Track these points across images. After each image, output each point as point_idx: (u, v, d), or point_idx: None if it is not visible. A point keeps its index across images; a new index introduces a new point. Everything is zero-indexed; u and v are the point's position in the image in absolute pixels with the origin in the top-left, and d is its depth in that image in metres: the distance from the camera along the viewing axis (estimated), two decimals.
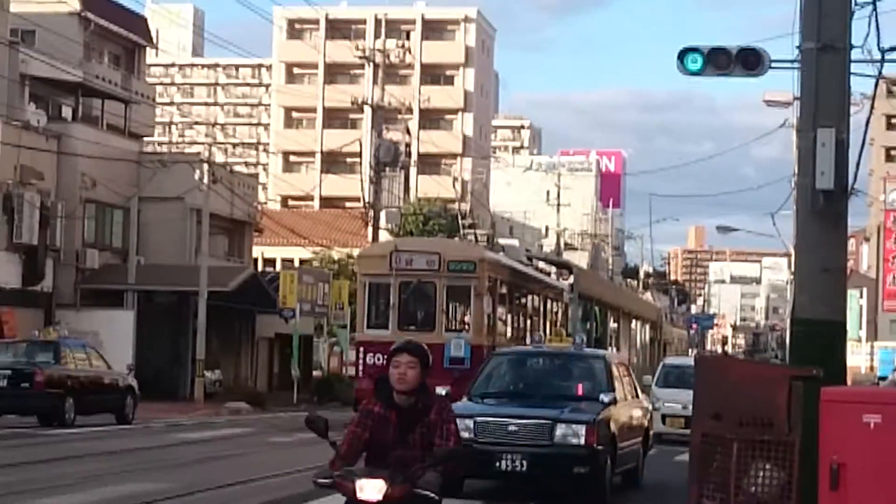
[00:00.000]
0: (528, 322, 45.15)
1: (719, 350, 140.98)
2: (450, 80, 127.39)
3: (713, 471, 5.56)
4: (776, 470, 5.31)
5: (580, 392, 22.36)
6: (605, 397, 20.99)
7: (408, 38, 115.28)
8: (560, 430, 19.91)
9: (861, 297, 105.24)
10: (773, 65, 19.01)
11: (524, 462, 19.55)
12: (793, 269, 24.83)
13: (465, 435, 17.28)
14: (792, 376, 5.53)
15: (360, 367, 36.53)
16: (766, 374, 5.41)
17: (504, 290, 40.73)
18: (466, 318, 37.46)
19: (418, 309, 36.98)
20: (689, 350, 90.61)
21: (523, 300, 44.92)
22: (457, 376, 31.94)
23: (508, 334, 41.09)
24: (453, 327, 36.81)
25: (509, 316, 42.30)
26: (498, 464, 19.56)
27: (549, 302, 48.91)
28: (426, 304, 36.70)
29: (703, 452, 5.48)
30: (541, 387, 22.96)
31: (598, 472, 20.11)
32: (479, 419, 20.28)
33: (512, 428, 19.97)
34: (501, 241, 55.26)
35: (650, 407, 26.56)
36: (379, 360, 33.19)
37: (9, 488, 20.57)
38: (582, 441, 19.75)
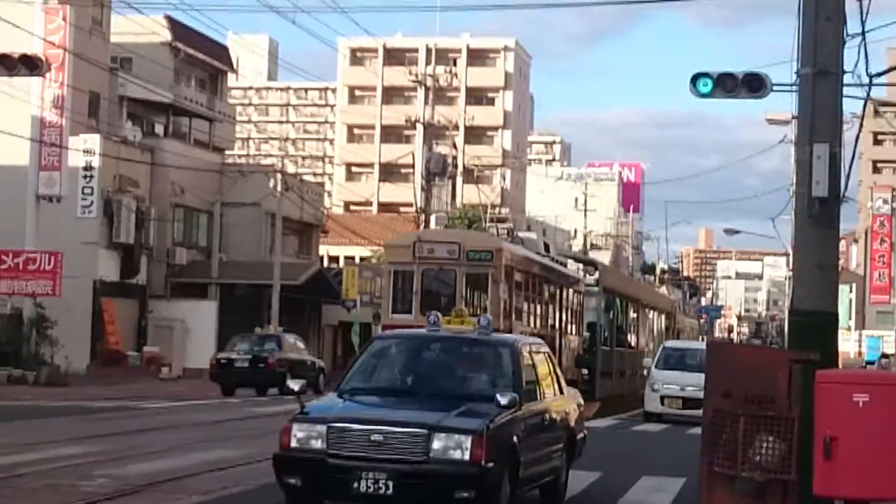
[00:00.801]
0: (545, 308, 43.15)
1: (725, 337, 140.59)
2: (491, 101, 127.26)
3: (722, 442, 5.56)
4: (778, 442, 5.29)
5: (474, 390, 15.74)
6: (502, 398, 13.99)
7: (455, 64, 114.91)
8: (438, 441, 13.78)
9: (851, 291, 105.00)
10: (775, 88, 18.92)
11: (390, 483, 13.51)
12: (791, 266, 24.64)
13: (317, 444, 13.73)
14: (792, 360, 5.52)
15: None
16: (770, 357, 5.41)
17: (520, 278, 38.76)
18: (486, 304, 35.45)
19: (440, 295, 35.10)
20: (700, 337, 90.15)
21: (540, 288, 42.35)
22: None
23: (525, 319, 39.37)
24: (472, 312, 32.90)
25: (526, 302, 40.21)
26: (357, 484, 13.61)
27: (565, 290, 46.30)
28: (447, 290, 35.25)
29: (713, 426, 5.47)
30: (427, 382, 16.15)
31: (489, 495, 13.75)
32: (334, 424, 14.14)
33: (376, 438, 13.85)
34: (521, 234, 50.51)
35: (578, 404, 18.75)
36: None
37: (139, 449, 20.65)
38: (466, 456, 13.65)
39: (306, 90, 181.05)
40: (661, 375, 37.79)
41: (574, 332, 47.20)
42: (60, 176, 50.77)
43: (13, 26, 46.42)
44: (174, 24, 71.81)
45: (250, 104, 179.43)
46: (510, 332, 32.08)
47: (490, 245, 36.57)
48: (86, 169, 55.55)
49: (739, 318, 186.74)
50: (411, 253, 34.84)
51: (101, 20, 63.43)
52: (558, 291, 45.08)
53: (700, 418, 30.90)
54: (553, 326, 43.05)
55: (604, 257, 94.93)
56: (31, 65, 31.74)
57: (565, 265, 49.62)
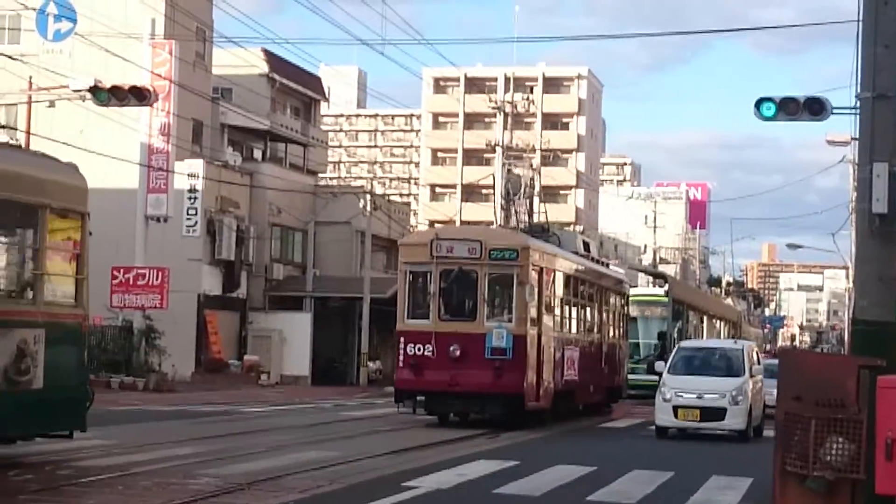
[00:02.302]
0: (582, 312, 37.06)
1: (788, 345, 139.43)
2: (565, 126, 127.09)
3: (794, 443, 5.48)
4: (847, 443, 5.22)
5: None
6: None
7: (531, 91, 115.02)
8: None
9: None
10: (835, 111, 18.81)
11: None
12: (852, 278, 24.26)
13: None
14: (860, 365, 5.45)
15: (401, 358, 29.69)
16: (838, 364, 5.33)
17: (551, 279, 32.38)
18: (510, 308, 29.90)
19: (459, 298, 29.93)
20: (764, 346, 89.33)
21: (576, 290, 35.82)
22: (498, 366, 28.30)
23: (557, 324, 33.20)
24: (496, 316, 29.67)
25: (559, 306, 33.76)
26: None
27: (606, 293, 40.19)
28: (467, 293, 29.66)
29: (785, 428, 5.40)
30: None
31: None
32: None
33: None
34: (558, 231, 40.65)
35: None
36: (419, 350, 29.10)
37: (230, 452, 20.82)
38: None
39: (393, 117, 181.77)
40: (675, 381, 29.29)
41: (615, 336, 41.34)
42: (167, 198, 51.48)
43: (123, 60, 46.94)
44: (271, 57, 72.33)
45: (341, 130, 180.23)
46: (539, 337, 30.10)
47: (515, 243, 30.58)
48: (190, 191, 56.24)
49: (801, 327, 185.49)
50: (428, 252, 29.50)
51: (203, 54, 63.99)
52: (598, 294, 39.01)
53: (720, 431, 29.26)
54: (591, 330, 38.08)
55: (672, 271, 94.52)
56: (140, 95, 32.13)
57: (607, 265, 44.16)
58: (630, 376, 46.39)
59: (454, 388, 28.71)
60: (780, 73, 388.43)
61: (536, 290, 30.21)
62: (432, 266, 29.34)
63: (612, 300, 41.00)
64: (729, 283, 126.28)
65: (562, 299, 33.78)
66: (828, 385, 5.89)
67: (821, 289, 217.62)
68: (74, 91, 34.08)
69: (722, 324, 65.21)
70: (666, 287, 50.15)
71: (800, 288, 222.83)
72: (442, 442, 25.92)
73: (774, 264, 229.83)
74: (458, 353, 28.54)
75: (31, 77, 45.15)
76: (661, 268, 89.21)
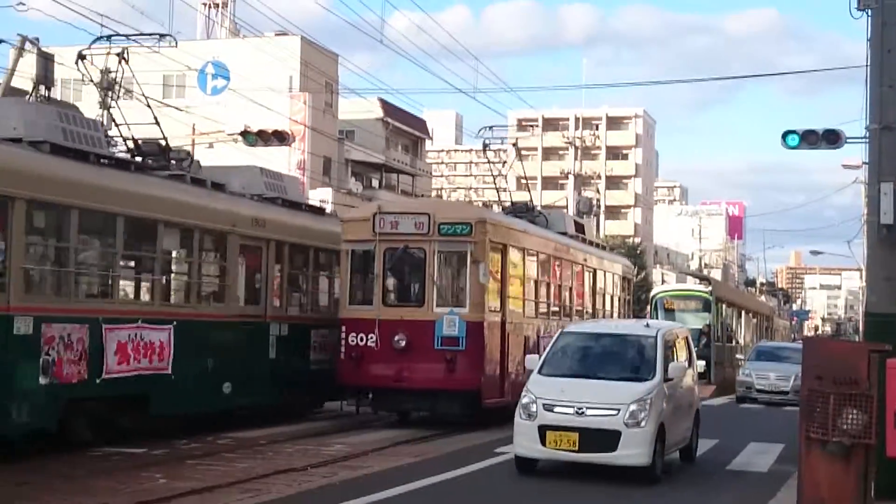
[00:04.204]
0: (569, 296, 27.61)
1: (812, 335, 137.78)
2: (625, 157, 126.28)
3: (816, 415, 5.42)
4: (861, 414, 5.16)
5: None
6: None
7: (597, 129, 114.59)
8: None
9: None
10: (849, 140, 18.63)
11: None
12: (864, 279, 24.02)
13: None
14: (871, 350, 5.38)
15: (343, 349, 21.12)
16: (853, 348, 5.28)
17: (521, 258, 23.49)
18: (464, 291, 21.16)
19: (406, 280, 21.65)
20: (791, 335, 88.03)
21: (559, 272, 26.73)
22: (449, 358, 20.39)
23: (531, 310, 24.29)
24: (447, 301, 21.00)
25: (534, 289, 24.76)
26: None
27: (601, 276, 30.91)
28: (414, 274, 21.24)
29: (809, 402, 5.35)
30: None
31: None
32: None
33: None
34: (545, 210, 32.57)
35: None
36: (362, 340, 20.83)
37: None
38: None
39: (482, 151, 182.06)
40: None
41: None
42: None
43: (267, 109, 47.46)
44: (385, 104, 72.82)
45: (442, 163, 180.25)
46: (503, 324, 21.83)
47: (469, 215, 21.84)
48: None
49: (823, 320, 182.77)
50: (371, 228, 21.00)
51: (331, 103, 64.64)
52: (591, 276, 29.77)
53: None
54: (581, 316, 28.44)
55: (715, 274, 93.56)
56: (280, 137, 32.65)
57: (602, 247, 34.93)
58: None
59: (399, 384, 20.68)
60: (803, 109, 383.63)
61: (500, 269, 21.88)
62: (375, 244, 20.87)
63: (609, 284, 31.93)
64: (762, 284, 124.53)
65: (537, 281, 24.81)
66: (844, 366, 5.83)
67: (839, 287, 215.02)
68: (229, 135, 34.66)
69: (757, 318, 64.40)
70: (710, 287, 49.43)
71: (821, 287, 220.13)
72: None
73: (800, 268, 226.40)
74: (403, 343, 20.51)
75: (194, 124, 45.83)
76: (705, 271, 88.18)
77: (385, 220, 20.93)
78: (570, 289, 27.44)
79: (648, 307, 48.47)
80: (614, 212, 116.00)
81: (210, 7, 69.33)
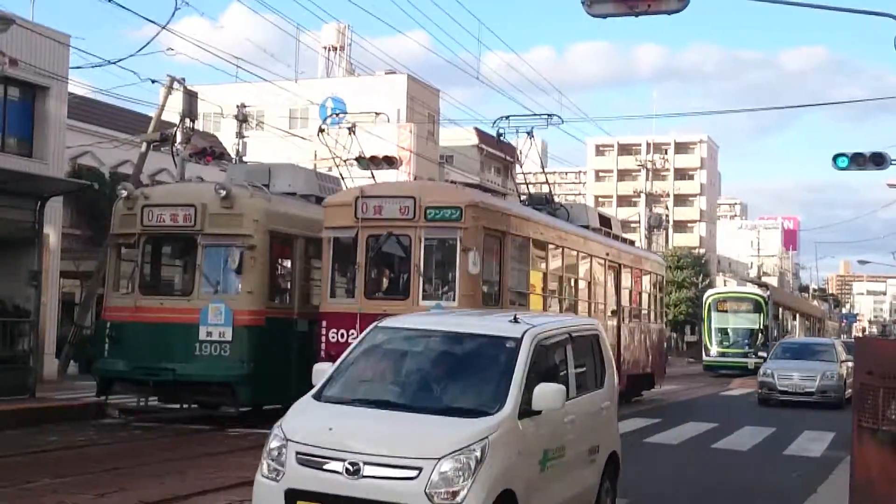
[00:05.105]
0: (589, 292, 22.51)
1: (861, 336, 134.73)
2: (691, 177, 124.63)
3: (867, 406, 5.34)
4: None
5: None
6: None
7: (666, 153, 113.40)
8: None
9: None
10: (893, 162, 18.25)
11: None
12: None
13: None
14: None
15: (322, 346, 16.68)
16: None
17: (526, 248, 18.79)
18: (453, 282, 16.53)
19: (390, 270, 17.43)
20: (839, 335, 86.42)
21: (574, 265, 21.77)
22: None
23: (537, 305, 19.39)
24: (434, 294, 16.55)
25: (541, 282, 19.68)
26: None
27: (627, 272, 25.63)
28: (399, 264, 16.95)
29: (861, 394, 5.27)
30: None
31: None
32: None
33: None
34: (568, 204, 25.61)
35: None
36: (343, 336, 16.25)
37: None
38: None
39: (567, 173, 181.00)
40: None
41: (643, 318, 27.16)
42: None
43: (378, 137, 47.86)
44: (480, 133, 72.92)
45: (530, 184, 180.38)
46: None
47: (458, 199, 16.73)
48: None
49: (870, 322, 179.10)
50: (353, 213, 16.69)
51: (433, 131, 64.86)
52: (615, 272, 24.65)
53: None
54: (603, 313, 23.23)
55: (771, 281, 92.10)
56: (390, 162, 32.77)
57: (632, 243, 30.79)
58: (720, 358, 44.71)
59: None
60: (851, 135, 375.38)
61: (498, 259, 17.37)
62: (357, 230, 16.71)
63: (635, 278, 26.62)
64: (814, 290, 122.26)
65: (545, 273, 19.87)
66: (892, 363, 5.72)
67: (884, 293, 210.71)
68: (345, 160, 34.91)
69: (809, 320, 63.29)
70: (768, 292, 48.59)
71: (868, 293, 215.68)
72: None
73: (849, 275, 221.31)
74: None
75: (315, 151, 46.36)
76: (763, 279, 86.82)
77: (368, 205, 16.70)
78: (589, 283, 22.47)
79: (703, 310, 47.59)
80: (681, 226, 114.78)
81: (329, 50, 70.30)
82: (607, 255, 23.78)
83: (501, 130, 24.46)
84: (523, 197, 24.71)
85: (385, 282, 17.32)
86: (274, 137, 46.88)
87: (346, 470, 6.81)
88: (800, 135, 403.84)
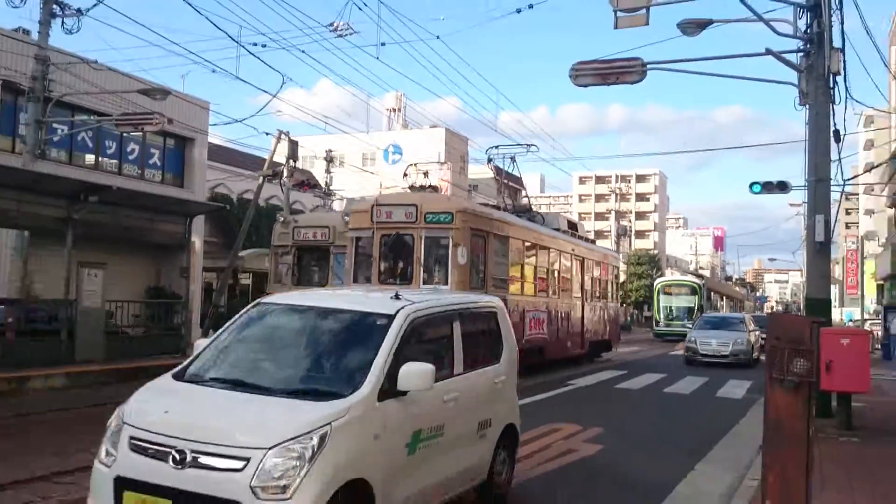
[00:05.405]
0: (557, 279, 20.97)
1: (771, 312, 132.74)
2: (647, 199, 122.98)
3: (776, 362, 5.27)
4: (805, 362, 4.99)
5: None
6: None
7: (629, 182, 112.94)
8: None
9: (836, 288, 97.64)
10: (794, 188, 18.04)
11: None
12: (804, 276, 22.64)
13: None
14: (811, 322, 5.20)
15: None
16: (801, 320, 5.14)
17: (507, 245, 17.64)
18: (446, 271, 15.96)
19: (397, 262, 16.24)
20: (754, 311, 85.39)
21: (546, 258, 20.25)
22: None
23: (517, 289, 18.04)
24: (432, 280, 15.82)
25: (520, 271, 18.41)
26: None
27: (589, 263, 24.19)
28: (405, 257, 16.07)
29: (771, 354, 5.20)
30: None
31: None
32: None
33: None
34: (544, 213, 25.63)
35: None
36: None
37: None
38: None
39: (558, 196, 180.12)
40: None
41: (600, 298, 25.23)
42: None
43: (423, 173, 47.65)
44: (496, 169, 72.65)
45: (533, 205, 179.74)
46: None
47: (450, 206, 16.32)
48: None
49: (776, 302, 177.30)
50: (370, 217, 16.21)
51: (463, 168, 64.67)
52: (579, 263, 23.10)
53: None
54: (569, 294, 21.85)
55: (706, 273, 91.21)
56: (434, 189, 32.31)
57: (593, 241, 28.91)
58: (666, 328, 44.09)
59: None
60: (763, 169, 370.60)
61: (483, 253, 16.37)
62: (373, 231, 16.12)
63: (596, 269, 24.99)
64: (737, 279, 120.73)
65: (522, 264, 18.46)
66: (794, 331, 5.65)
67: (787, 282, 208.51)
68: (402, 188, 34.82)
69: (733, 301, 62.51)
70: (703, 281, 48.03)
71: (776, 282, 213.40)
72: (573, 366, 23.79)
73: (762, 269, 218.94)
74: None
75: (381, 182, 46.54)
76: (700, 272, 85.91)
77: (381, 211, 16.12)
78: (558, 271, 21.12)
79: (653, 292, 47.10)
80: (641, 234, 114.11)
81: (390, 111, 70.63)
82: (573, 250, 22.60)
83: (491, 157, 24.26)
84: (510, 207, 23.65)
85: (394, 270, 16.02)
86: (352, 173, 47.04)
87: (173, 459, 4.52)
88: (726, 169, 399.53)
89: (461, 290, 14.49)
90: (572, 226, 24.62)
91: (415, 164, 29.14)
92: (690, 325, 41.79)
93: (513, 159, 23.81)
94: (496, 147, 24.46)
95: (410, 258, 15.68)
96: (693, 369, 23.08)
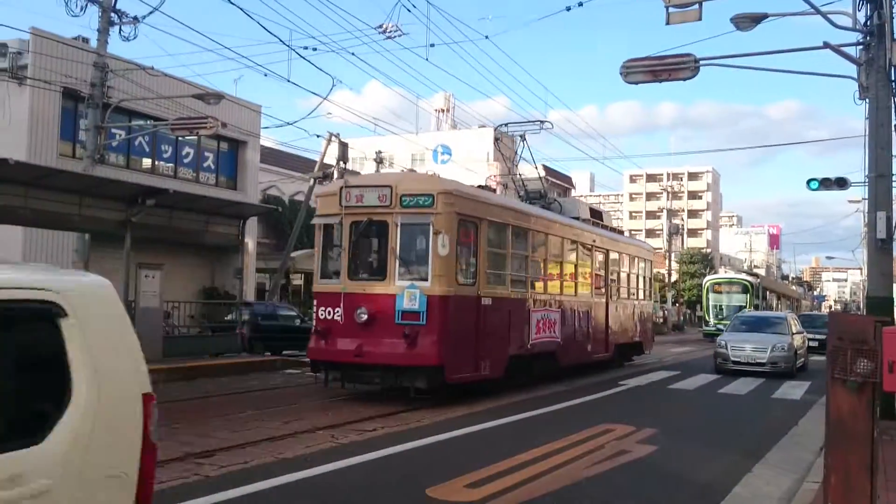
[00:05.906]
0: (576, 273, 18.19)
1: (832, 311, 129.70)
2: (700, 197, 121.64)
3: (838, 362, 5.16)
4: (868, 362, 4.89)
5: None
6: None
7: (681, 180, 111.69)
8: None
9: None
10: (853, 184, 17.60)
11: None
12: (865, 274, 21.82)
13: None
14: (874, 321, 5.09)
15: (315, 323, 13.39)
16: (863, 319, 5.03)
17: (506, 234, 14.47)
18: (426, 264, 12.69)
19: (369, 253, 13.39)
20: (812, 311, 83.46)
21: (560, 250, 17.36)
22: (408, 333, 12.36)
23: (514, 285, 14.62)
24: (410, 275, 12.72)
25: (523, 264, 15.19)
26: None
27: (616, 257, 21.09)
28: (378, 247, 13.22)
29: (833, 354, 5.09)
30: None
31: None
32: None
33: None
34: (562, 199, 22.78)
35: None
36: (329, 314, 13.10)
37: None
38: None
39: (608, 195, 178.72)
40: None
41: (631, 297, 22.14)
42: None
43: (473, 172, 47.64)
44: (546, 168, 72.23)
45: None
46: (479, 296, 13.31)
47: (431, 187, 12.96)
48: None
49: (835, 301, 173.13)
50: (338, 202, 13.32)
51: (512, 169, 64.46)
52: (604, 256, 20.12)
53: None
54: (590, 291, 18.87)
55: (762, 272, 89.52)
56: (485, 188, 32.32)
57: (620, 232, 26.12)
58: (713, 328, 42.59)
59: (360, 359, 12.70)
60: (821, 165, 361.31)
61: (475, 243, 13.49)
62: (341, 217, 13.28)
63: (624, 263, 21.90)
64: (793, 278, 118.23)
65: (527, 257, 15.42)
66: (857, 330, 5.53)
67: (846, 280, 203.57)
68: None
69: (789, 300, 61.20)
70: (758, 280, 47.03)
71: (834, 280, 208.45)
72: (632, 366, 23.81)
73: (819, 268, 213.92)
74: (364, 317, 12.75)
75: None
76: (755, 270, 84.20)
77: (351, 194, 13.30)
78: (574, 265, 18.24)
79: (703, 291, 46.07)
80: (693, 233, 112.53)
81: (439, 111, 70.75)
82: (594, 241, 19.40)
83: (499, 135, 21.28)
84: (521, 192, 20.77)
85: (366, 264, 13.33)
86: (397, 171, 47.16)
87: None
88: (781, 165, 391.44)
89: (442, 286, 12.54)
90: (596, 214, 21.46)
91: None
92: None
93: (522, 137, 20.40)
94: (506, 125, 20.76)
95: (385, 249, 13.02)
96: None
